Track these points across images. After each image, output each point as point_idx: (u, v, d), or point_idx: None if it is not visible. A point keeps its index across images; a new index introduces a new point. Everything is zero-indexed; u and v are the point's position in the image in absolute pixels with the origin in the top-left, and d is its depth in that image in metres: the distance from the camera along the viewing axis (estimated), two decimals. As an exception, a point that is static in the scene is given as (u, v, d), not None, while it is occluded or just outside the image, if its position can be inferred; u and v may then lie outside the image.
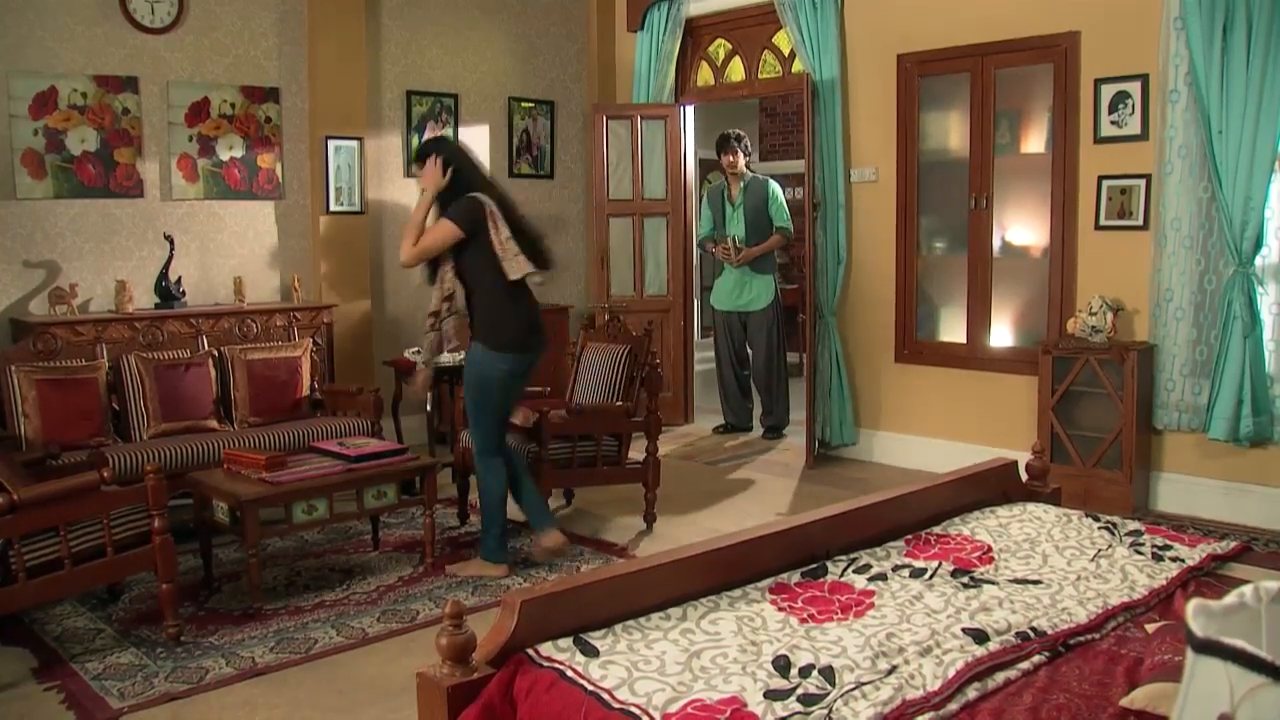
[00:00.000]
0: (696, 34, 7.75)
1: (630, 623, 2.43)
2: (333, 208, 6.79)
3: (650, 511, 5.42)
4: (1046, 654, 2.35)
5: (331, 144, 6.74)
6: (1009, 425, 6.06)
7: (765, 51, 7.47)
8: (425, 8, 7.28)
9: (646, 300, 7.81)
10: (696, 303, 8.09)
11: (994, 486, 3.62)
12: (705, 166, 8.71)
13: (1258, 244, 5.13)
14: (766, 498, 6.04)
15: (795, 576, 2.82)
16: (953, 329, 6.49)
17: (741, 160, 7.44)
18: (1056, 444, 5.64)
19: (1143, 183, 5.58)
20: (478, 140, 7.62)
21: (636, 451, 5.46)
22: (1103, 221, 5.73)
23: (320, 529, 5.01)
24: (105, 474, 4.00)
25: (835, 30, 6.67)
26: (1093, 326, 5.57)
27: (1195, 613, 1.34)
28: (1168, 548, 3.10)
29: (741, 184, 7.49)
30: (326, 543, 5.14)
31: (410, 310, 7.33)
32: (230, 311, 6.12)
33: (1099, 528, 3.28)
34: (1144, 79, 5.53)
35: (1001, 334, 6.26)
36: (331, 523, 4.57)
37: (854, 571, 2.88)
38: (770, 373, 7.58)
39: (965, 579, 2.82)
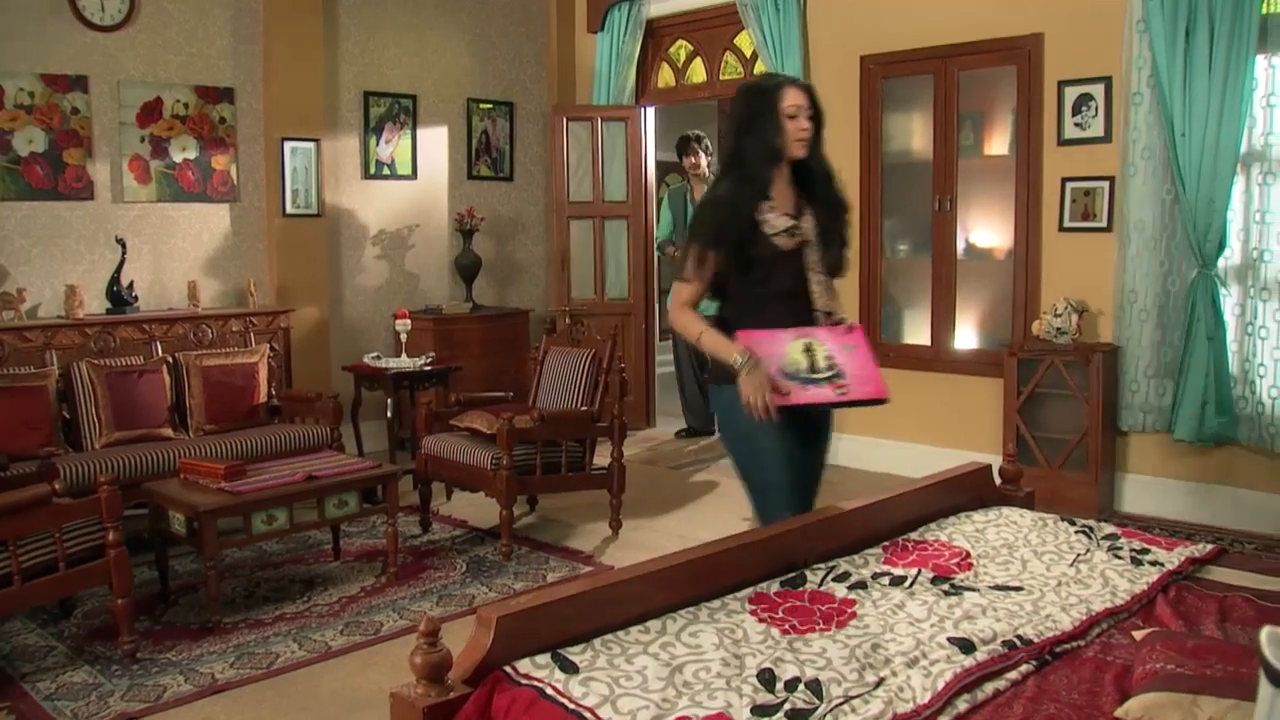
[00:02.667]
0: (657, 35, 7.70)
1: (609, 637, 2.36)
2: (289, 210, 6.66)
3: (616, 517, 5.35)
4: (1034, 663, 2.31)
5: (288, 145, 6.62)
6: (974, 428, 6.06)
7: (727, 53, 7.43)
8: (383, 7, 7.17)
9: (608, 304, 7.74)
10: (658, 306, 8.01)
11: (969, 491, 3.58)
12: (664, 169, 8.65)
13: (1220, 245, 5.16)
14: (731, 502, 5.98)
15: (774, 586, 2.77)
16: (917, 331, 6.48)
17: (704, 161, 7.35)
18: (1022, 446, 5.63)
19: (1106, 184, 5.60)
20: (436, 142, 7.53)
21: (601, 457, 5.40)
22: (1067, 223, 5.74)
23: (280, 539, 4.89)
24: (56, 486, 3.88)
25: (798, 32, 6.65)
26: (1058, 328, 5.58)
27: (1269, 642, 1.28)
28: (1145, 551, 3.08)
29: (704, 186, 7.36)
30: (286, 553, 5.02)
31: (368, 314, 7.23)
32: (184, 317, 5.98)
33: (1076, 532, 3.26)
34: (1107, 81, 5.55)
35: (966, 336, 6.26)
36: (292, 533, 4.47)
37: (833, 580, 2.83)
38: None
39: (946, 586, 2.78)
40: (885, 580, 2.84)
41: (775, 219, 3.22)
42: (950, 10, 6.06)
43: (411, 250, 7.44)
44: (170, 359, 5.47)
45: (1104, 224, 5.61)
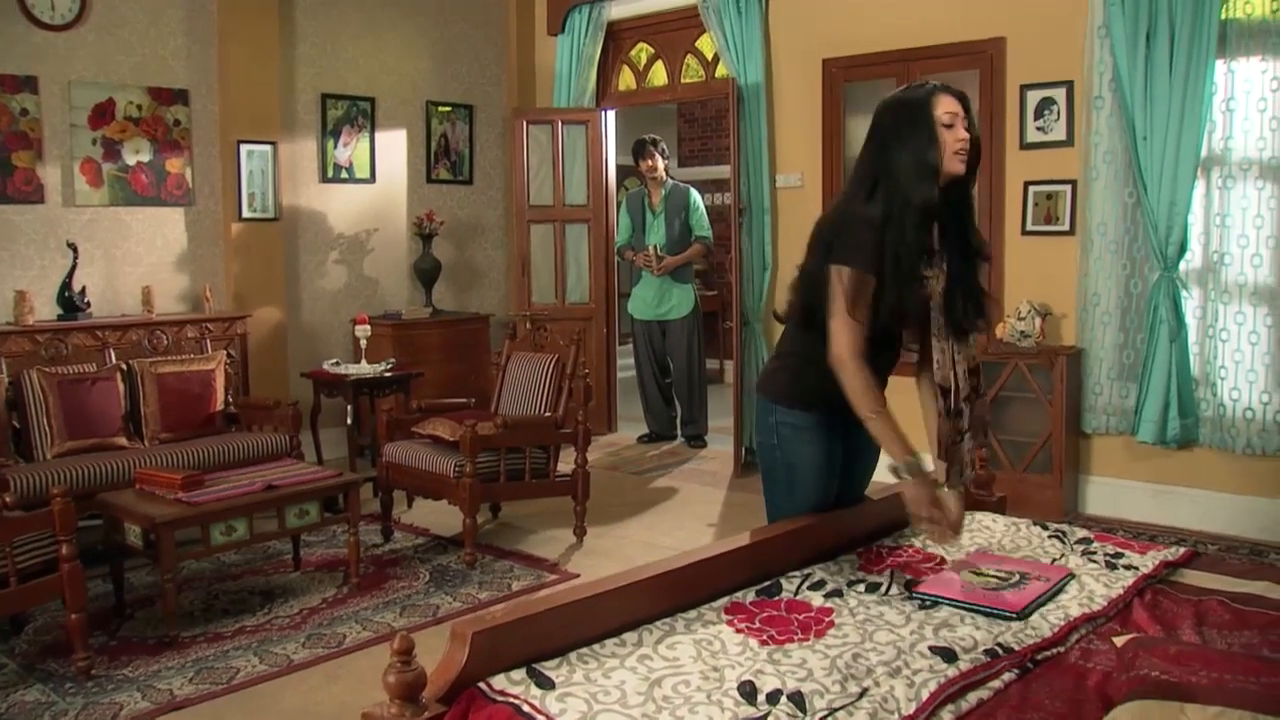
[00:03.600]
0: (618, 38, 7.66)
1: (585, 650, 2.31)
2: (245, 214, 6.54)
3: (580, 524, 5.29)
4: (1016, 671, 2.28)
5: (244, 148, 6.49)
6: (939, 431, 6.04)
7: (688, 56, 7.40)
8: (340, 8, 7.07)
9: (569, 308, 7.68)
10: (618, 310, 7.98)
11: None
12: (624, 172, 8.61)
13: (1182, 249, 5.19)
14: (695, 508, 5.96)
15: (750, 595, 2.72)
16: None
17: (660, 164, 7.33)
18: (986, 449, 5.65)
19: (1069, 188, 5.63)
20: (395, 145, 7.43)
21: (564, 463, 5.34)
22: (1030, 226, 5.77)
23: (239, 550, 4.78)
24: (6, 498, 3.76)
25: (760, 34, 6.63)
26: (1021, 331, 5.59)
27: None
28: (1119, 555, 3.07)
29: (663, 191, 7.39)
30: (245, 564, 4.91)
31: (327, 320, 7.11)
32: (138, 323, 5.85)
33: (1049, 536, 3.25)
34: (1069, 85, 5.58)
35: (930, 339, 6.26)
36: (252, 544, 4.37)
37: (809, 588, 2.79)
38: (690, 381, 7.49)
39: (921, 595, 2.75)
40: (861, 587, 2.80)
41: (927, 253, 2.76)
42: (913, 14, 6.07)
43: (370, 255, 7.34)
44: (124, 366, 5.34)
45: (1066, 227, 5.64)
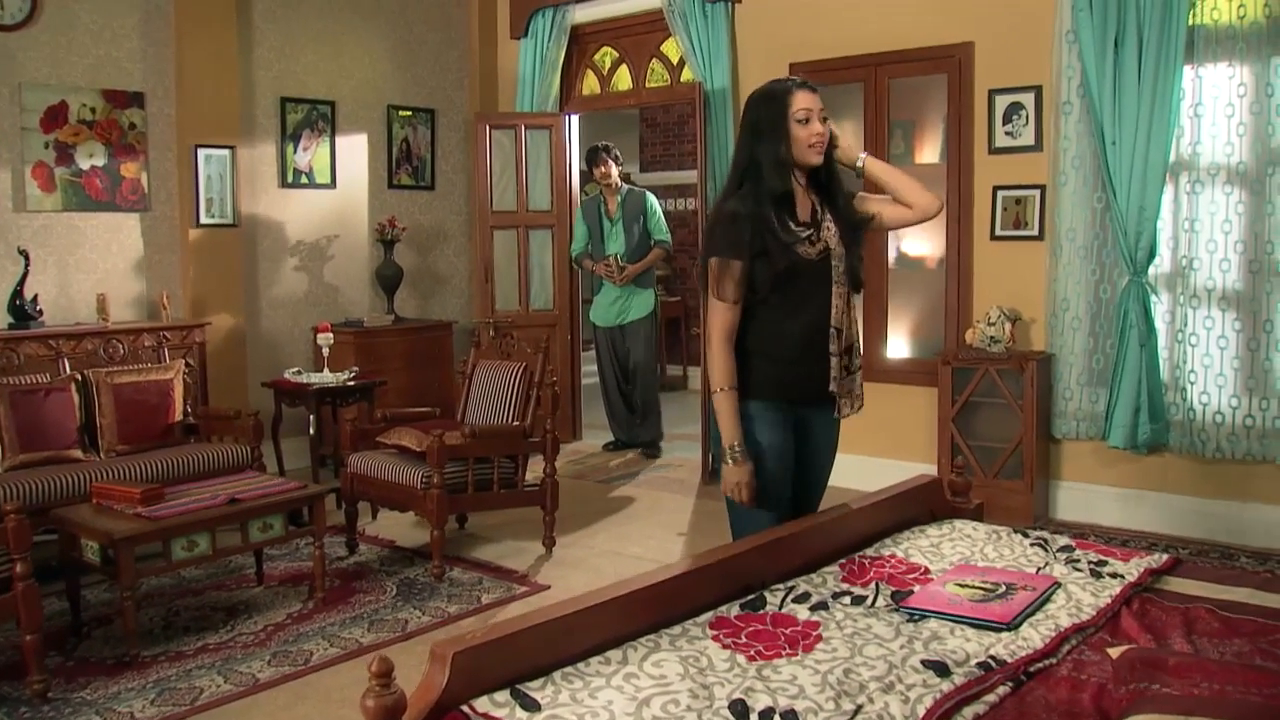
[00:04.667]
0: (582, 41, 7.58)
1: (569, 669, 2.23)
2: (203, 220, 6.39)
3: (549, 535, 5.21)
4: (1010, 684, 2.24)
5: (201, 153, 6.35)
6: (907, 437, 6.04)
7: (653, 60, 7.34)
8: (300, 10, 6.94)
9: (532, 315, 7.59)
10: (581, 317, 7.89)
11: (920, 504, 3.53)
12: (587, 178, 8.53)
13: (1151, 254, 5.20)
14: (663, 516, 5.89)
15: (734, 609, 2.65)
16: (850, 340, 6.44)
17: (614, 171, 7.20)
18: (957, 454, 5.63)
19: (1037, 193, 5.62)
20: (356, 150, 7.31)
21: (531, 471, 5.26)
22: (998, 231, 5.76)
23: (200, 565, 4.64)
24: (-43, 514, 3.61)
25: (726, 38, 6.58)
26: (991, 337, 5.58)
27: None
28: (1104, 563, 3.04)
29: (619, 197, 7.26)
30: (206, 578, 4.77)
31: (286, 328, 6.97)
32: (93, 332, 5.69)
33: (1030, 544, 3.21)
34: (1037, 90, 5.58)
35: (899, 345, 6.25)
36: (214, 559, 4.24)
37: (793, 601, 2.73)
38: (643, 386, 7.38)
39: (909, 609, 2.70)
40: (846, 600, 2.75)
41: (793, 226, 3.07)
42: (880, 18, 6.05)
43: (331, 261, 7.21)
44: (79, 376, 5.18)
45: (1035, 232, 5.64)
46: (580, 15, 7.42)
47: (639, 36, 7.34)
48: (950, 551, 3.17)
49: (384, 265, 7.20)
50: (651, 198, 7.39)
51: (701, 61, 6.66)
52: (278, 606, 4.44)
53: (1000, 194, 5.75)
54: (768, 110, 3.06)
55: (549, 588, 4.69)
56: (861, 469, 5.33)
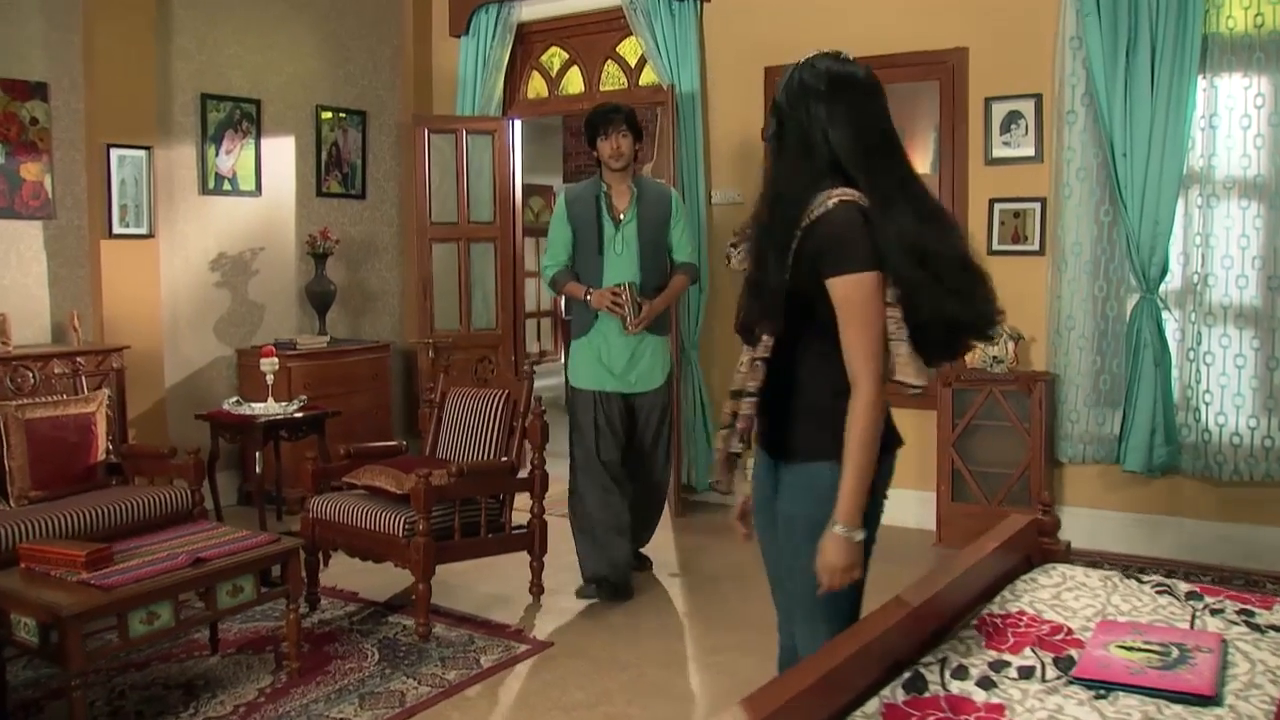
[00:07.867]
0: (528, 41, 7.05)
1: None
2: (116, 230, 5.64)
3: (538, 582, 4.68)
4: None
5: (114, 153, 5.61)
6: (904, 462, 5.61)
7: (609, 62, 6.85)
8: (222, -2, 6.24)
9: (474, 334, 7.01)
10: (526, 334, 7.35)
11: (1021, 549, 3.16)
12: (528, 190, 7.98)
13: (1164, 270, 4.97)
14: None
15: (899, 693, 2.23)
16: (837, 361, 6.08)
17: (629, 150, 4.71)
18: (958, 480, 5.34)
19: (1038, 206, 5.36)
20: (282, 154, 6.63)
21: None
22: (996, 245, 5.47)
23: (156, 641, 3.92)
24: None
25: (695, 39, 6.17)
26: (994, 357, 5.27)
27: None
28: (1251, 614, 2.71)
29: (633, 190, 4.74)
30: (151, 648, 4.04)
31: (208, 351, 6.26)
32: (-5, 358, 4.92)
33: (1156, 591, 2.86)
34: (1038, 98, 5.33)
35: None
36: (177, 631, 3.58)
37: (953, 677, 2.31)
38: (658, 484, 5.13)
39: (1087, 681, 2.29)
40: (1012, 673, 2.34)
41: None
42: (865, 21, 5.72)
43: (256, 276, 6.50)
44: (-19, 411, 4.44)
45: (1036, 247, 5.38)
46: (526, 13, 6.89)
47: (592, 36, 6.84)
48: (1076, 604, 2.81)
49: (315, 281, 6.54)
50: (677, 196, 5.03)
51: (667, 64, 6.21)
52: (243, 681, 3.79)
53: (997, 207, 5.47)
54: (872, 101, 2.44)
55: (552, 645, 4.16)
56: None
